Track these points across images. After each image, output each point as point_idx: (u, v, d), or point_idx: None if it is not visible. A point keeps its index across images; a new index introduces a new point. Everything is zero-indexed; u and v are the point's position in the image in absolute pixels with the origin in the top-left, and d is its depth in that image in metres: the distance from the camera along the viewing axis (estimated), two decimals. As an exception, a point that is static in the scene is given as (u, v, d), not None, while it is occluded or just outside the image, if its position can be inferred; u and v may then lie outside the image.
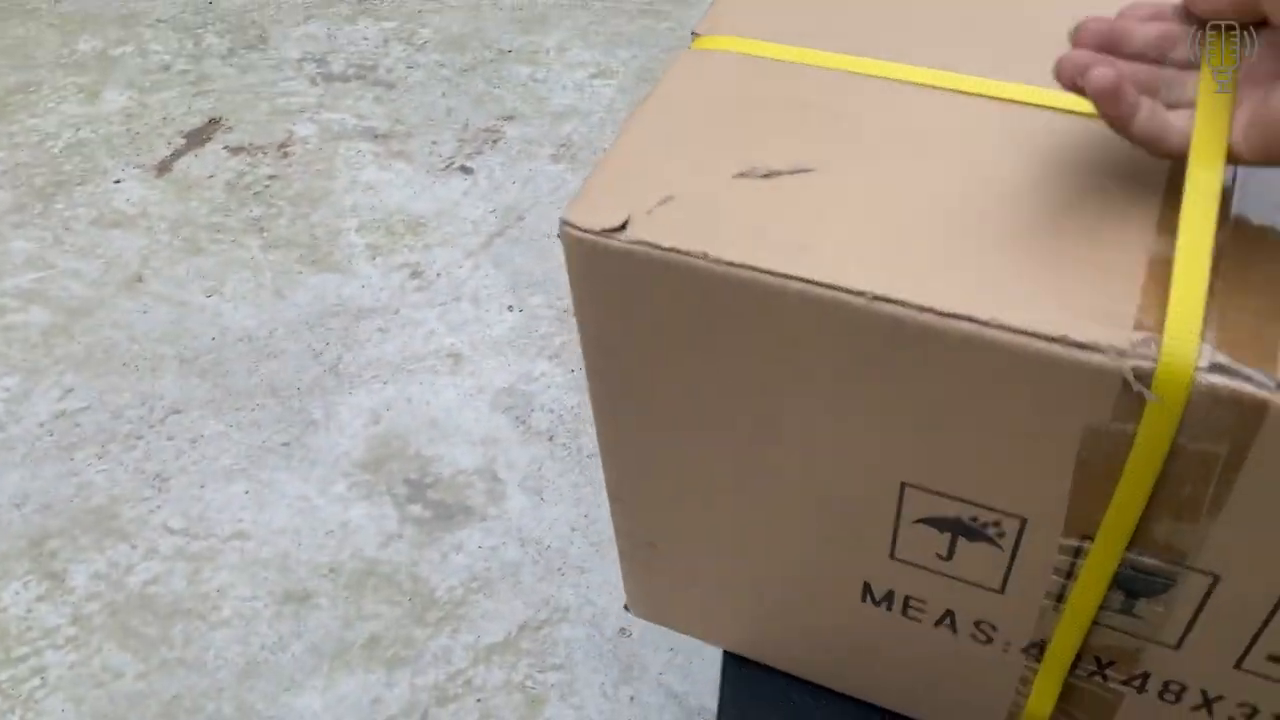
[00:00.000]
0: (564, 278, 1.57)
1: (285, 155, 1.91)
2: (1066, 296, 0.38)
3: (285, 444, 1.49)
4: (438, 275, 1.71)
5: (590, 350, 0.49)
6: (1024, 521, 0.44)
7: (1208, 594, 0.42)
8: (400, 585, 1.35)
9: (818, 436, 0.45)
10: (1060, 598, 0.46)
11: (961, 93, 0.46)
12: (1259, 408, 0.35)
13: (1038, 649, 0.49)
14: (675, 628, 0.65)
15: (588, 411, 1.50)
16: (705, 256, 0.41)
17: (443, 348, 1.62)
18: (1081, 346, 0.37)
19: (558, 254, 1.63)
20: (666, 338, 0.45)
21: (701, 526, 0.54)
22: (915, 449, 0.43)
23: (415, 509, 1.43)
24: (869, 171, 0.44)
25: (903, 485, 0.45)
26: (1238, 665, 0.45)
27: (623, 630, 1.31)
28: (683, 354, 0.45)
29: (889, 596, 0.52)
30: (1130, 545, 0.42)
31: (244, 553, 1.38)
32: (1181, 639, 0.45)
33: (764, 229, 0.41)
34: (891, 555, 0.49)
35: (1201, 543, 0.41)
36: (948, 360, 0.39)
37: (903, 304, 0.38)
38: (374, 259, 1.73)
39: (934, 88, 0.47)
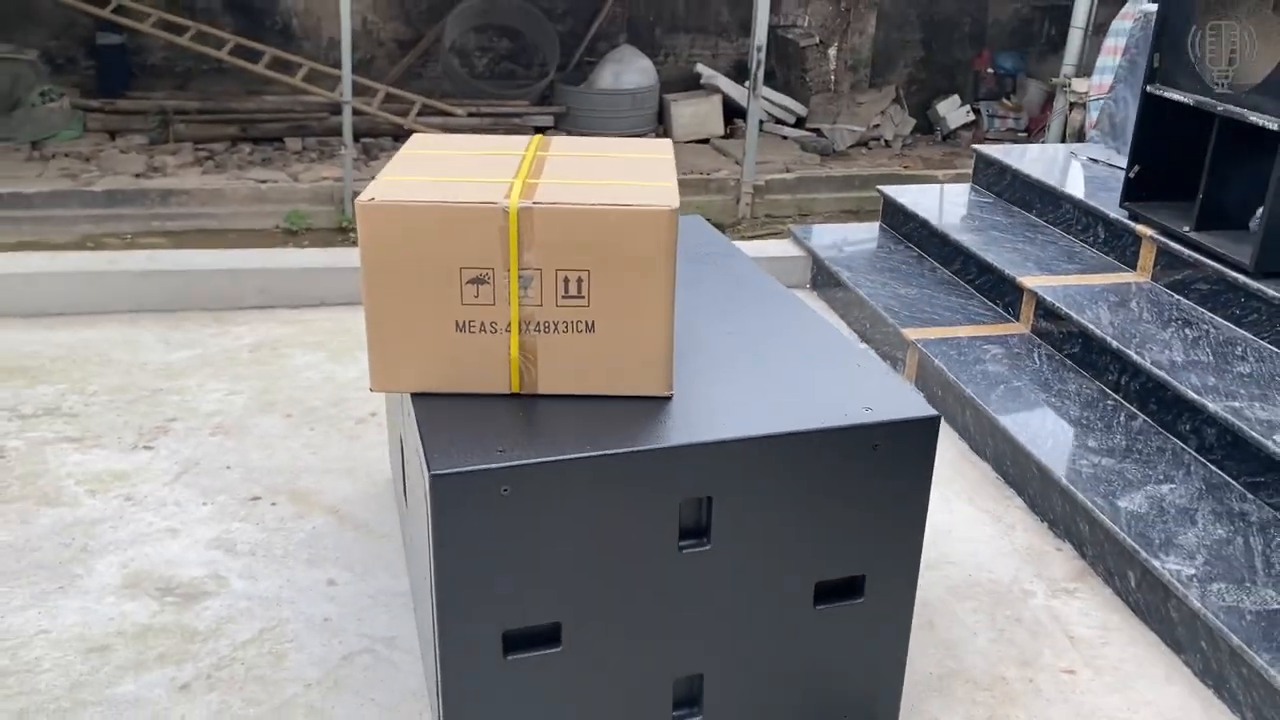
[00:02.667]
0: (237, 480, 2.51)
1: (3, 457, 2.67)
2: (488, 192, 1.60)
3: (60, 588, 2.21)
4: (145, 497, 2.54)
5: (368, 274, 1.61)
6: (493, 270, 1.61)
7: (541, 278, 1.62)
8: (169, 632, 2.11)
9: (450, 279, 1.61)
10: (509, 299, 1.63)
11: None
12: (528, 212, 1.58)
13: (509, 326, 1.64)
14: (400, 388, 1.69)
15: (274, 539, 2.41)
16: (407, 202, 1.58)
17: (162, 530, 2.44)
18: (493, 204, 1.58)
19: (226, 477, 2.59)
20: (407, 251, 1.60)
21: (406, 311, 1.64)
22: (465, 257, 1.60)
23: (170, 599, 2.20)
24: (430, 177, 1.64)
25: (461, 268, 1.61)
26: (557, 305, 1.63)
27: (327, 620, 2.16)
28: (415, 254, 1.60)
29: (466, 325, 1.64)
30: (519, 268, 1.61)
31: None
32: (540, 301, 1.63)
33: (416, 196, 1.60)
34: (462, 302, 1.63)
35: (529, 260, 1.61)
36: (476, 220, 1.59)
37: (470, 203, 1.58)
38: (93, 495, 2.53)
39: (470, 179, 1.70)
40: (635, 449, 1.57)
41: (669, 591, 1.67)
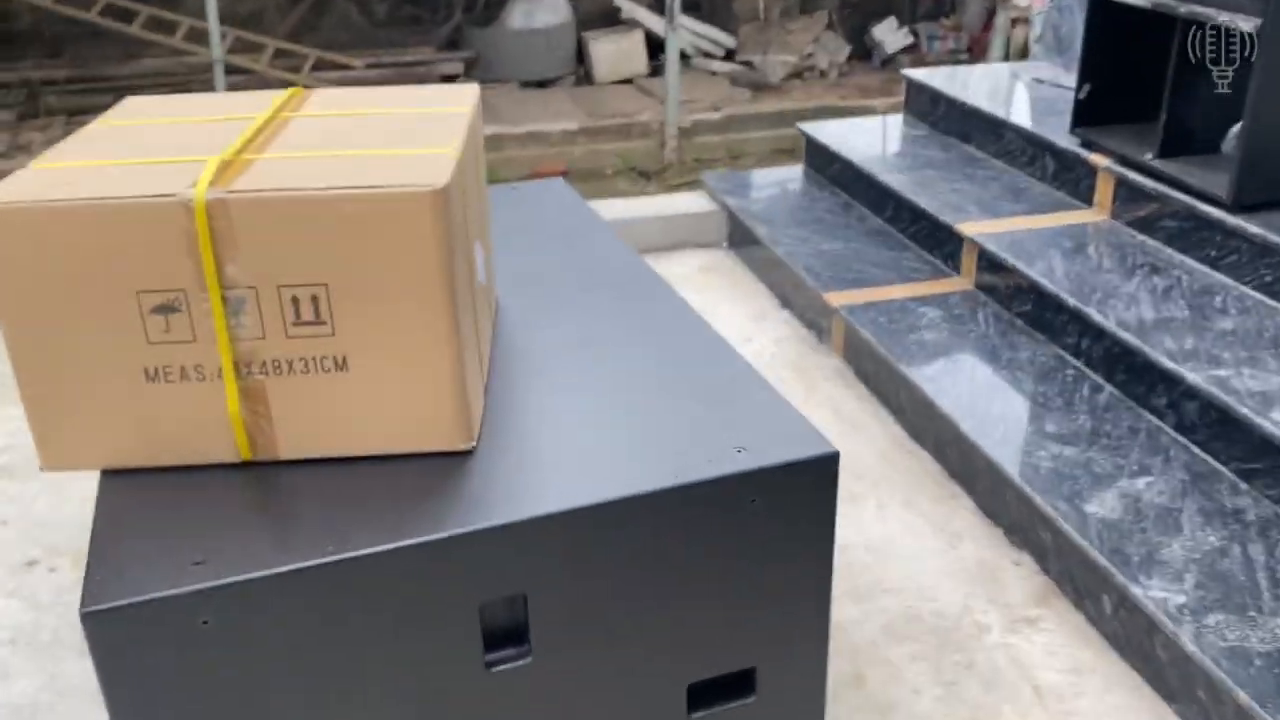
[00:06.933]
0: None
1: None
2: (170, 179, 1.09)
3: None
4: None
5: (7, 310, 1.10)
6: (184, 292, 1.11)
7: (259, 300, 1.12)
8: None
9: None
10: (213, 331, 1.13)
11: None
12: (221, 205, 1.08)
13: (220, 370, 1.15)
14: (80, 465, 1.19)
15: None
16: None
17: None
18: (169, 196, 1.08)
19: None
20: (60, 274, 1.09)
21: (71, 360, 1.14)
22: (142, 276, 1.10)
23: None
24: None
25: (138, 293, 1.11)
26: (288, 336, 1.14)
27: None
28: (72, 277, 1.09)
29: (158, 372, 1.15)
30: (222, 287, 1.11)
31: None
32: (263, 333, 1.14)
33: (65, 192, 1.09)
34: (148, 341, 1.13)
35: (236, 276, 1.11)
36: (146, 221, 1.08)
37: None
38: None
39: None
40: (398, 545, 1.09)
41: (481, 722, 1.21)
